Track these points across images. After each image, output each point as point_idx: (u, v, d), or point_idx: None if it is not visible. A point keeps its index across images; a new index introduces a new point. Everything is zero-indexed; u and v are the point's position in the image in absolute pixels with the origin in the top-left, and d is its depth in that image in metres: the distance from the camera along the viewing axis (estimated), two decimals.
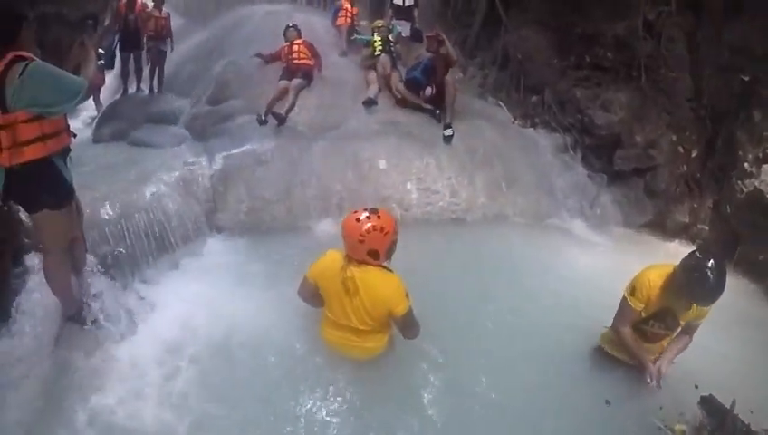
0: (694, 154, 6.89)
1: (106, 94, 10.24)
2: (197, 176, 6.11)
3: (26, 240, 4.39)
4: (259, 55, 8.38)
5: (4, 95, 3.13)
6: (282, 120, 7.02)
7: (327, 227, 5.86)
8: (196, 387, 3.59)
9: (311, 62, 8.03)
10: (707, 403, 3.38)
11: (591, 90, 7.52)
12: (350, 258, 3.44)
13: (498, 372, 3.78)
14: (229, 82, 8.16)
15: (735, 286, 5.41)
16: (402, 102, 7.78)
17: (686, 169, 6.87)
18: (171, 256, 5.36)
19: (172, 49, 9.74)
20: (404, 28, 9.57)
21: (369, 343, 3.58)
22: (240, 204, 6.08)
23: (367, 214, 3.40)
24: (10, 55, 3.15)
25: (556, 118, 7.82)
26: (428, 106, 7.59)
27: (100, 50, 9.97)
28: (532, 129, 7.93)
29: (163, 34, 9.62)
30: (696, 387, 3.48)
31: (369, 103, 7.73)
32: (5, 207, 4.01)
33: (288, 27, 8.38)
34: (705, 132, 6.85)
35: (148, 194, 5.48)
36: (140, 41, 9.45)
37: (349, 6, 9.92)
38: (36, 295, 4.02)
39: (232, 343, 3.94)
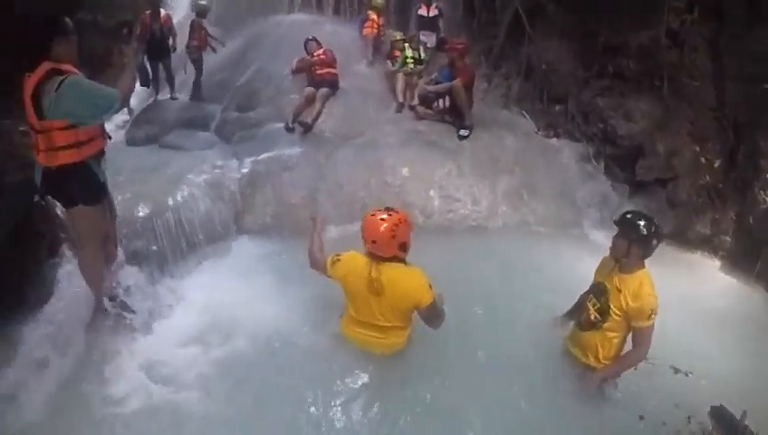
0: (716, 165, 6.85)
1: (136, 100, 10.43)
2: (226, 179, 6.34)
3: (62, 234, 4.63)
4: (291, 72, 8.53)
5: (41, 104, 3.33)
6: (308, 128, 7.21)
7: (350, 232, 5.92)
8: (217, 377, 3.77)
9: (335, 71, 8.18)
10: (718, 413, 3.39)
11: (614, 99, 7.54)
12: (375, 257, 3.58)
13: (511, 376, 3.84)
14: (258, 90, 8.42)
15: (758, 299, 5.44)
16: (420, 117, 7.89)
17: (708, 179, 6.82)
18: (198, 255, 5.58)
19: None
20: (429, 39, 9.65)
21: (391, 338, 3.73)
22: (266, 207, 6.29)
23: (386, 212, 3.57)
24: (47, 66, 3.36)
25: (579, 128, 7.86)
26: (447, 118, 7.72)
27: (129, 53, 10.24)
28: (555, 139, 7.96)
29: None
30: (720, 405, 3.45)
31: (399, 109, 7.97)
32: (43, 202, 4.23)
33: (308, 40, 8.47)
34: (728, 142, 6.80)
35: (178, 195, 5.70)
36: (167, 49, 9.68)
37: (375, 17, 10.01)
38: (69, 284, 4.30)
39: (253, 338, 4.11)
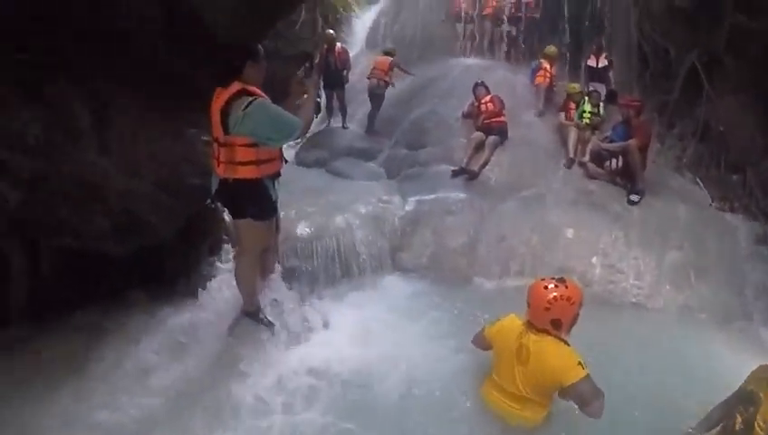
0: None
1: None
2: (389, 214, 6.54)
3: (224, 237, 5.03)
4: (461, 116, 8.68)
5: (228, 120, 3.62)
6: (474, 176, 7.29)
7: (505, 289, 5.93)
8: (339, 413, 3.75)
9: (503, 119, 8.18)
10: None
11: None
12: (531, 325, 3.48)
13: None
14: (428, 130, 8.62)
15: None
16: (591, 176, 7.66)
17: None
18: (351, 283, 5.77)
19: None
20: (598, 89, 9.29)
21: (528, 412, 3.54)
22: (424, 248, 6.39)
23: (555, 283, 3.44)
24: (237, 86, 3.65)
25: (758, 203, 7.28)
26: (618, 180, 7.43)
27: (305, 80, 10.90)
28: (729, 213, 7.43)
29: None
30: None
31: (570, 164, 7.80)
32: (212, 206, 4.60)
33: (477, 85, 8.56)
34: None
35: (341, 222, 5.98)
36: (342, 80, 10.19)
37: (548, 66, 9.84)
38: (222, 285, 4.67)
39: (387, 380, 4.08)
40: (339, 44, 10.52)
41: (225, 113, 3.64)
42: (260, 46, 3.96)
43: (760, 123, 7.59)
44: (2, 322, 4.25)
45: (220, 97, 3.70)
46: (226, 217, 4.84)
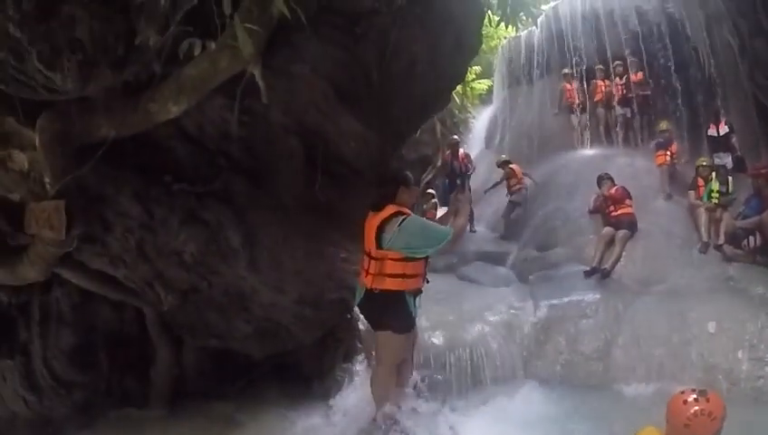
0: None
1: None
2: (521, 321, 6.68)
3: (359, 344, 5.48)
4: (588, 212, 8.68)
5: (382, 237, 4.13)
6: (607, 275, 7.27)
7: (644, 393, 5.79)
8: None
9: (630, 210, 8.08)
10: None
11: None
12: None
13: None
14: (555, 229, 8.78)
15: None
16: (728, 258, 7.31)
17: None
18: (484, 392, 5.81)
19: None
20: (725, 160, 8.94)
21: None
22: (558, 355, 6.42)
23: (695, 395, 3.25)
24: (393, 209, 4.18)
25: None
26: (759, 259, 7.09)
27: (431, 190, 11.60)
28: None
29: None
30: None
31: (704, 249, 7.56)
32: (349, 316, 5.07)
33: (601, 178, 8.41)
34: None
35: (473, 331, 6.21)
36: (465, 183, 10.66)
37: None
38: (355, 390, 5.00)
39: None
40: (461, 149, 11.05)
41: (380, 230, 4.15)
42: (409, 174, 4.53)
43: None
44: (142, 403, 4.92)
45: (376, 217, 4.23)
46: (361, 325, 5.32)
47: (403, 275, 4.22)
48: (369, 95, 4.81)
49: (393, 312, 4.29)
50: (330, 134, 4.71)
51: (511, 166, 10.77)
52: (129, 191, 4.11)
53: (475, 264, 9.11)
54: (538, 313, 6.79)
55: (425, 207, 11.27)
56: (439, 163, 12.53)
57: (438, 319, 6.25)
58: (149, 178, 4.19)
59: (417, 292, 4.41)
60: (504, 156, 11.12)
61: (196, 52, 3.57)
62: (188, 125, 4.26)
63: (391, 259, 4.18)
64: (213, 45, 3.60)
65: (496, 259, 9.19)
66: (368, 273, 4.31)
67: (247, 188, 4.49)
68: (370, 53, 4.73)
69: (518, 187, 10.49)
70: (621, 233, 7.74)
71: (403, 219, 4.10)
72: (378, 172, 4.86)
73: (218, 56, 3.66)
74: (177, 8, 3.41)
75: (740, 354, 5.99)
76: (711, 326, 6.26)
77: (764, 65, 8.77)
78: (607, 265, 7.35)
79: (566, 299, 6.91)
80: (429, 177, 13.15)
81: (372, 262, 4.26)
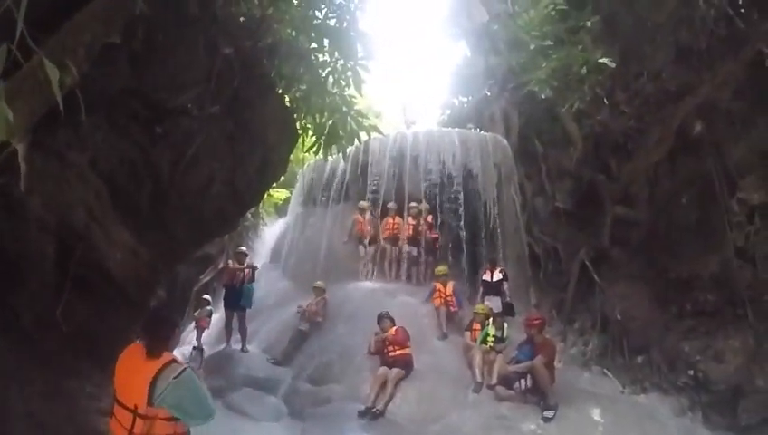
0: None
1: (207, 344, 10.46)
2: None
3: None
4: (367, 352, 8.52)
5: (154, 390, 3.34)
6: (379, 415, 7.12)
7: None
8: None
9: (408, 351, 8.14)
10: None
11: (700, 340, 7.30)
12: None
13: None
14: (332, 363, 8.47)
15: None
16: (501, 398, 7.60)
17: None
18: None
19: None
20: (494, 303, 9.51)
21: None
22: None
23: None
24: (168, 357, 3.46)
25: (667, 378, 7.56)
26: (530, 398, 7.43)
27: (207, 296, 10.76)
28: (643, 395, 7.61)
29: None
30: None
31: (478, 389, 7.74)
32: None
33: (381, 317, 8.45)
34: None
35: None
36: (244, 302, 10.02)
37: (441, 287, 9.91)
38: None
39: None
40: (248, 269, 10.42)
41: (153, 384, 3.34)
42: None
43: (654, 303, 8.07)
44: None
45: (148, 365, 3.42)
46: None
47: None
48: (151, 206, 4.16)
49: None
50: (95, 240, 3.94)
51: (325, 296, 10.32)
52: None
53: (245, 390, 8.36)
54: None
55: (196, 314, 10.51)
56: (221, 266, 11.92)
57: None
58: None
59: None
60: (320, 282, 10.50)
61: None
62: None
63: (162, 419, 3.42)
64: None
65: (268, 388, 8.52)
66: (133, 434, 3.45)
67: None
68: (166, 158, 4.14)
69: (317, 318, 10.01)
70: (394, 372, 7.72)
71: (182, 371, 3.40)
72: (142, 295, 4.11)
73: None
74: None
75: None
76: None
77: (541, 221, 10.11)
78: (379, 407, 7.23)
79: None
80: (207, 278, 12.34)
81: (139, 421, 3.42)
